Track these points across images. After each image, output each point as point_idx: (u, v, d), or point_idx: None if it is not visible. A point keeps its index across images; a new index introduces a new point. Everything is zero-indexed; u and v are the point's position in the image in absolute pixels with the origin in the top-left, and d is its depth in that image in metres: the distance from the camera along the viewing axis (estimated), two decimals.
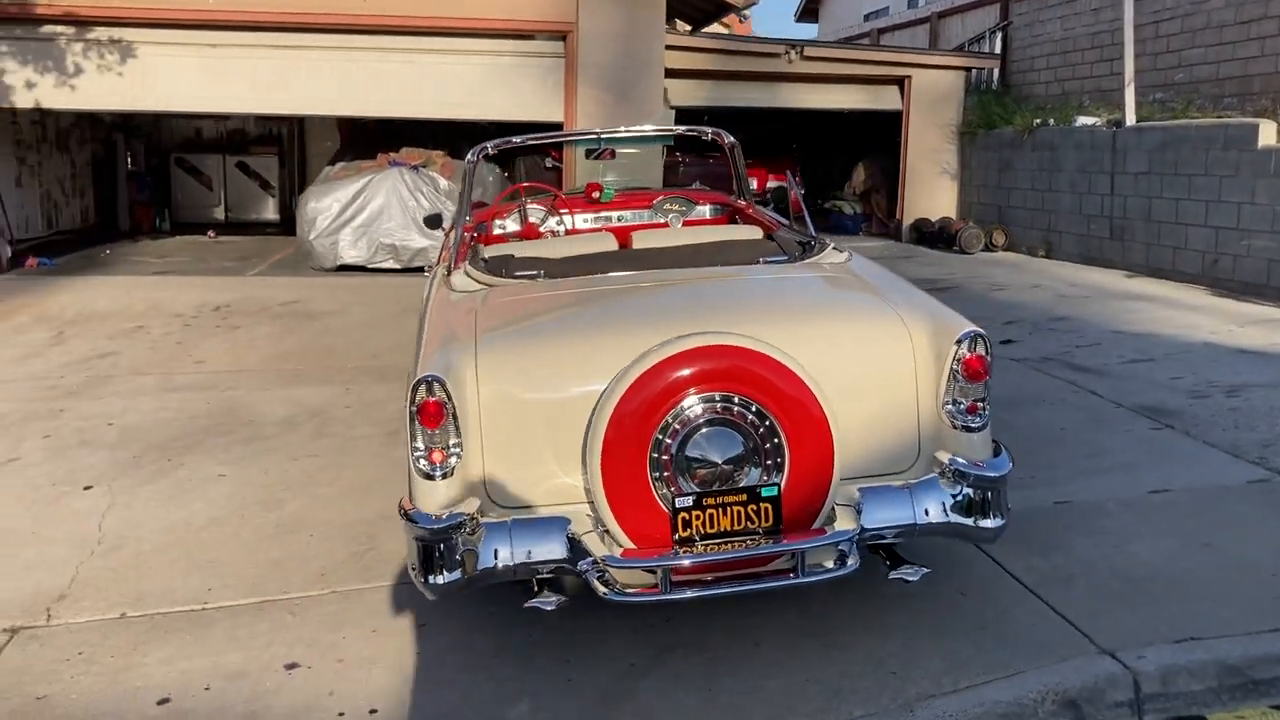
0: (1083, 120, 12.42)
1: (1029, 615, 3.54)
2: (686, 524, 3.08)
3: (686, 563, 3.04)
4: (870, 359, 3.34)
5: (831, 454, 3.15)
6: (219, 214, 16.63)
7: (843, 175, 17.79)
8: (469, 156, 5.75)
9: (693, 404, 3.13)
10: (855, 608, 3.62)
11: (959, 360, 3.27)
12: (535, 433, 3.18)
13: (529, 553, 3.08)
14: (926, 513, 3.19)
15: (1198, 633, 3.37)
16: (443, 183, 11.28)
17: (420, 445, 3.12)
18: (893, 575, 3.26)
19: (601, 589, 3.06)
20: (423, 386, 3.09)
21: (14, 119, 11.56)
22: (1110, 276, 10.94)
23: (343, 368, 7.14)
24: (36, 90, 10.22)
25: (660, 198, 6.13)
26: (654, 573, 3.07)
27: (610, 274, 3.98)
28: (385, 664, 3.46)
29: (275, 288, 10.30)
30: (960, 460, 3.25)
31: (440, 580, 3.08)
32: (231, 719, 3.20)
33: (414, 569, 3.16)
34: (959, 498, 3.22)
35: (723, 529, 3.09)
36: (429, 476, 3.11)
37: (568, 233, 5.85)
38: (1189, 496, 4.58)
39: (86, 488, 5.04)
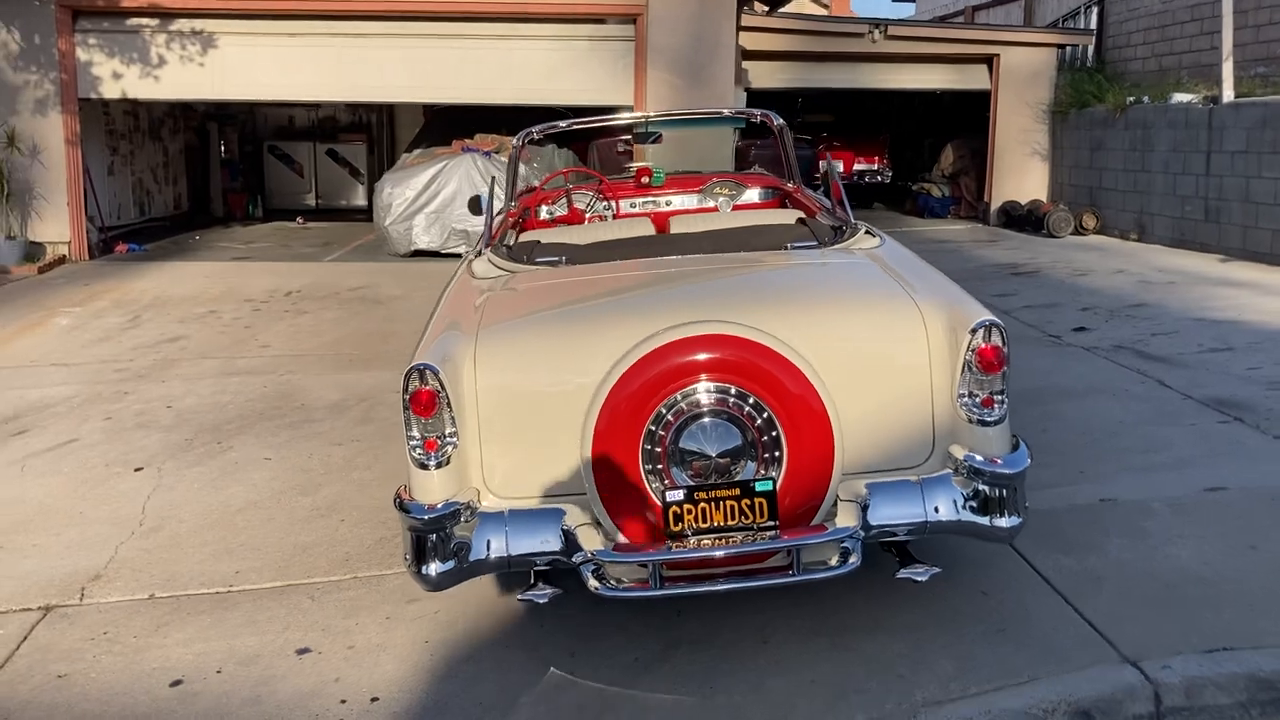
0: (1179, 98, 11.88)
1: (1051, 618, 3.38)
2: (678, 518, 3.00)
3: (676, 558, 2.97)
4: (882, 349, 3.23)
5: (832, 448, 3.05)
6: (309, 200, 17.01)
7: (931, 157, 17.38)
8: (515, 142, 5.74)
9: (687, 395, 3.05)
10: (870, 606, 3.51)
11: (973, 350, 3.12)
12: (534, 423, 3.14)
13: (523, 544, 3.05)
14: (937, 510, 3.07)
15: (1231, 643, 3.17)
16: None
17: (415, 434, 3.11)
18: (901, 574, 3.15)
19: (594, 583, 3.01)
20: (415, 375, 3.08)
21: (106, 109, 11.95)
22: (1202, 261, 10.47)
23: (399, 353, 7.19)
24: (123, 81, 10.54)
25: (710, 181, 6.04)
26: (645, 567, 3.01)
27: (631, 260, 3.92)
28: (393, 651, 3.47)
29: (348, 273, 10.47)
30: (975, 456, 3.10)
31: (432, 571, 3.07)
32: (236, 703, 3.24)
33: (406, 559, 3.15)
34: (972, 495, 3.08)
35: (716, 524, 3.01)
36: (423, 466, 3.10)
37: (614, 217, 5.81)
38: (1244, 496, 4.33)
39: (137, 469, 5.18)
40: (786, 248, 3.95)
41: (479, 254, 4.22)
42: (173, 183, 14.68)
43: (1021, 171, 14.46)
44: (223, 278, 10.10)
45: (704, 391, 3.06)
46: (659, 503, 3.04)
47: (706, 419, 3.06)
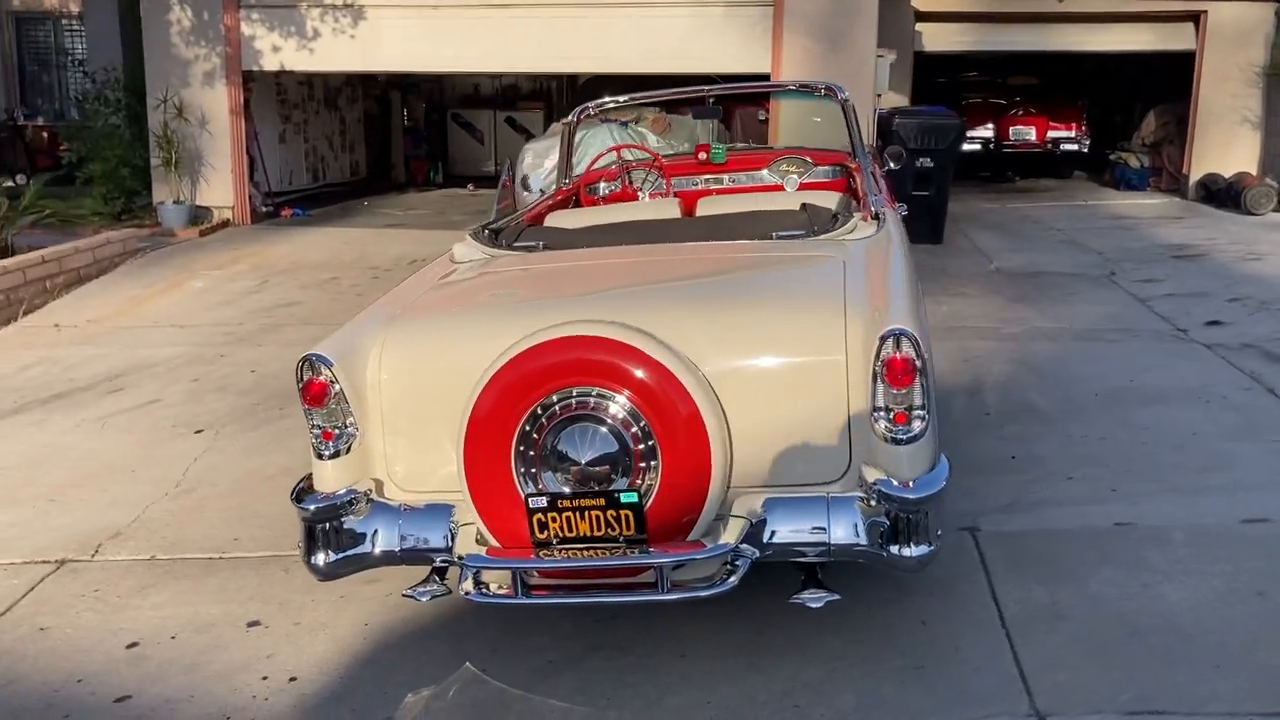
0: None
1: (981, 658, 3.12)
2: (543, 526, 2.92)
3: (529, 566, 2.91)
4: (797, 356, 3.04)
5: (708, 459, 2.89)
6: (489, 167, 17.48)
7: (1131, 124, 16.14)
8: (569, 117, 5.71)
9: (563, 398, 2.95)
10: (803, 627, 3.34)
11: (882, 361, 2.89)
12: (432, 418, 3.14)
13: (411, 539, 3.06)
14: (837, 533, 2.87)
15: (1165, 706, 2.83)
16: (652, 138, 11.26)
17: (314, 423, 3.16)
18: (792, 599, 2.97)
19: (468, 586, 2.99)
20: (306, 366, 3.12)
21: (278, 80, 12.64)
22: None
23: None
24: (281, 54, 11.11)
25: (777, 158, 5.84)
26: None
27: (609, 248, 3.84)
28: (332, 631, 3.57)
29: None
30: (884, 478, 2.88)
31: (320, 561, 3.12)
32: (175, 670, 3.42)
33: (299, 546, 3.22)
34: (875, 520, 2.88)
35: (581, 534, 2.90)
36: (319, 455, 3.15)
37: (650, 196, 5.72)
38: None
39: (197, 431, 5.51)
40: (773, 237, 3.78)
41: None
42: (349, 150, 15.40)
43: (1228, 141, 13.20)
44: (360, 244, 10.56)
45: (579, 395, 2.95)
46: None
47: (580, 425, 2.95)
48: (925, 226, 9.82)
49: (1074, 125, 16.73)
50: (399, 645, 3.47)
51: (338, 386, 3.11)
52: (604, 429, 2.95)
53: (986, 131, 16.14)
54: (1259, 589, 3.42)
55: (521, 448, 2.99)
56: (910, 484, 2.88)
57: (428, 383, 3.16)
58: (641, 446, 2.95)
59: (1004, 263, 9.43)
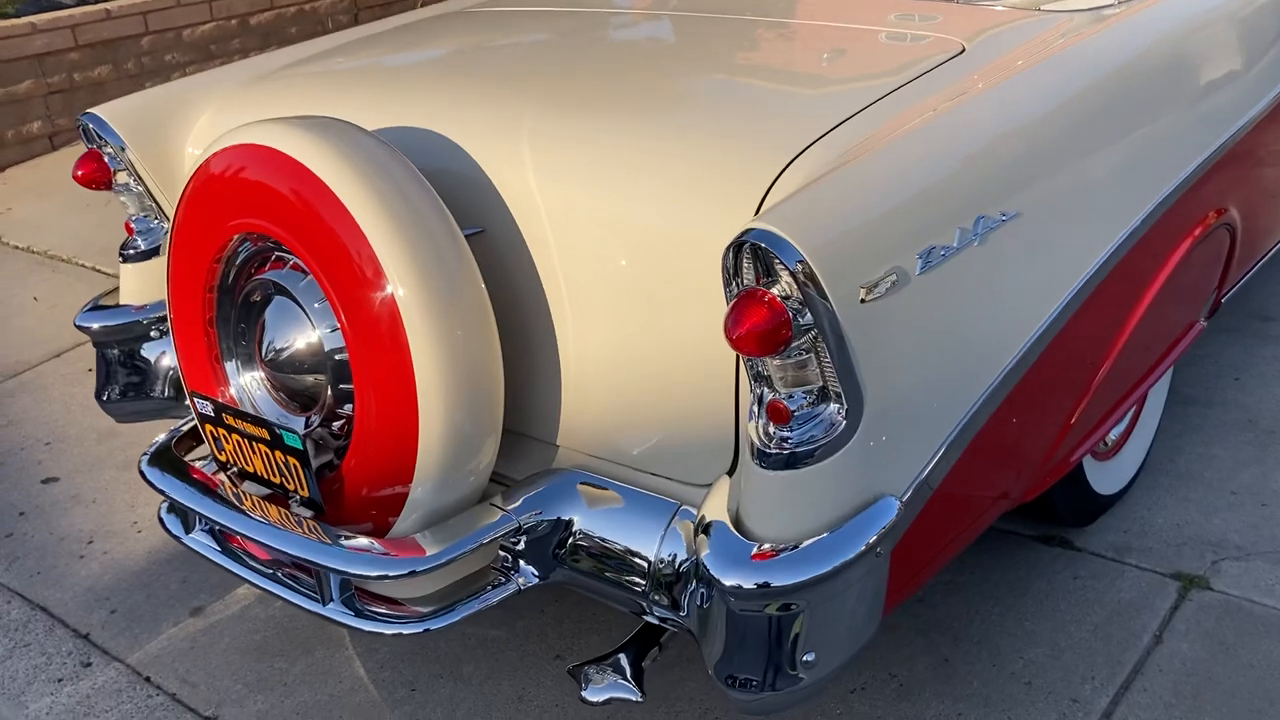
0: None
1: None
2: (218, 443, 2.08)
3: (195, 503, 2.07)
4: (687, 242, 1.81)
5: (414, 401, 1.80)
6: None
7: None
8: None
9: (242, 248, 2.06)
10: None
11: (731, 299, 1.60)
12: None
13: None
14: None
15: None
16: None
17: None
18: (582, 689, 1.93)
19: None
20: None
21: None
22: None
23: None
24: None
25: None
26: None
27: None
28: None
29: None
30: (718, 519, 1.70)
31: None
32: None
33: None
34: (678, 583, 1.79)
35: (258, 473, 2.04)
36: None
37: None
38: None
39: None
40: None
41: None
42: None
43: None
44: None
45: (256, 248, 2.04)
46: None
47: (266, 291, 2.03)
48: None
49: None
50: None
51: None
52: (295, 306, 1.98)
53: None
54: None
55: (215, 310, 2.13)
56: (766, 547, 1.63)
57: None
58: (334, 350, 1.94)
59: None
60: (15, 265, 4.78)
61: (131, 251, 2.55)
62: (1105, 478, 2.66)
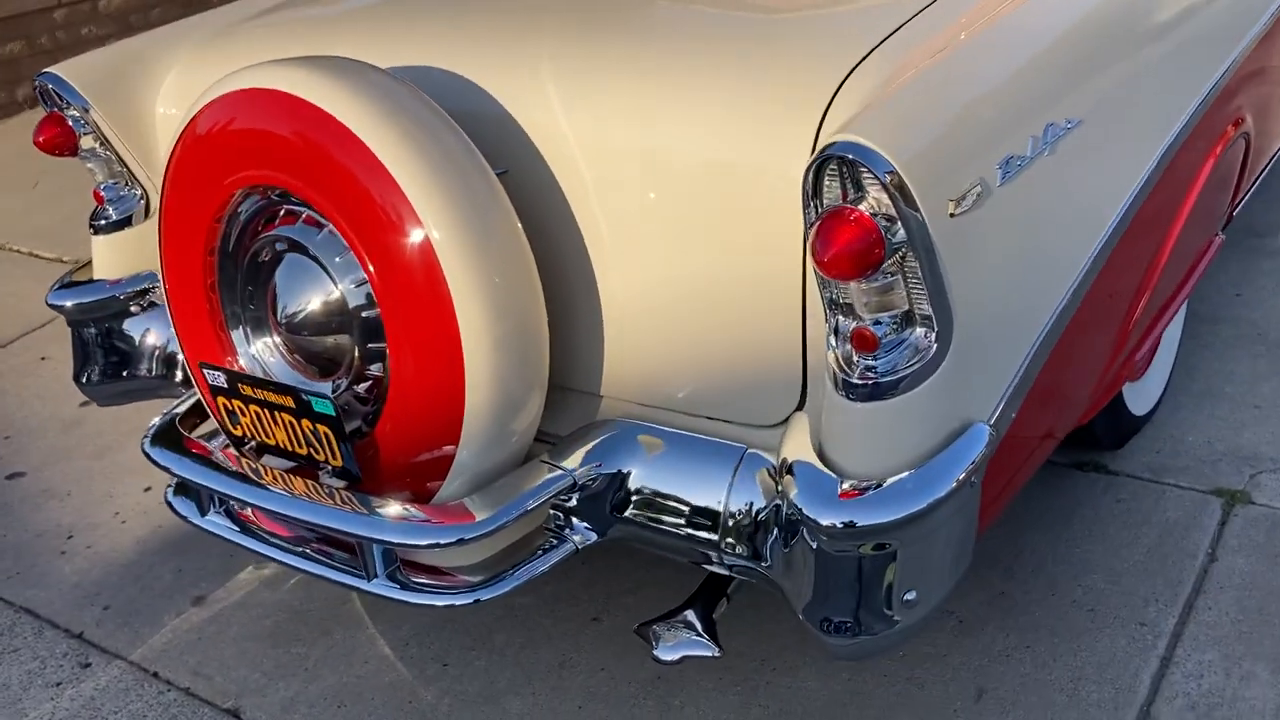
0: None
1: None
2: (233, 417, 1.96)
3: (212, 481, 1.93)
4: (734, 188, 1.68)
5: (459, 355, 1.67)
6: None
7: None
8: None
9: (247, 202, 1.89)
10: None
11: (815, 218, 1.47)
12: None
13: None
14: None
15: None
16: None
17: None
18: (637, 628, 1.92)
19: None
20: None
21: None
22: None
23: None
24: None
25: None
26: None
27: None
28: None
29: None
30: (802, 458, 1.59)
31: None
32: None
33: None
34: (764, 527, 1.67)
35: (281, 445, 1.90)
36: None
37: None
38: None
39: None
40: None
41: None
42: None
43: None
44: None
45: (265, 201, 1.89)
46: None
47: (281, 251, 1.88)
48: None
49: None
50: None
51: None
52: (318, 268, 1.83)
53: None
54: None
55: (218, 274, 1.97)
56: (854, 484, 1.53)
57: None
58: (360, 307, 1.81)
59: None
60: None
61: (103, 222, 2.37)
62: (1137, 397, 2.60)
